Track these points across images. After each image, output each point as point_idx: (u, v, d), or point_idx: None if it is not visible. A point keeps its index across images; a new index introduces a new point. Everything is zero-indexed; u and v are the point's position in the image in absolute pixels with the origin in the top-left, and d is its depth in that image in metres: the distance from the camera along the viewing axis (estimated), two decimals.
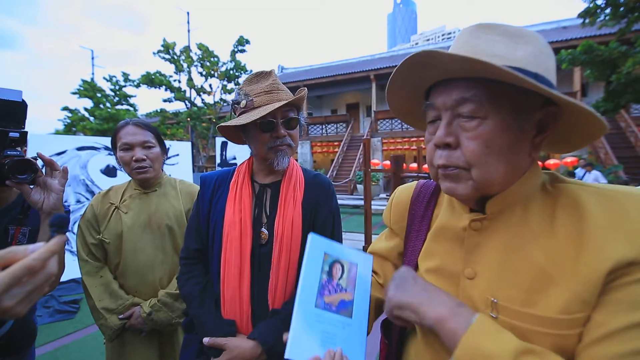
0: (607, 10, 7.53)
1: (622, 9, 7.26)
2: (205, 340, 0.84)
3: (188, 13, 16.16)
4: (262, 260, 0.89)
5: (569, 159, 9.88)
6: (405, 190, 0.73)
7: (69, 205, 3.80)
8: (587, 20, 8.13)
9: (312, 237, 0.58)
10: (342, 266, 0.59)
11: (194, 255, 0.97)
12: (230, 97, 13.36)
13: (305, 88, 0.97)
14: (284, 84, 0.97)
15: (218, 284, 0.89)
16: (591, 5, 7.54)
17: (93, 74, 19.80)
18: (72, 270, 3.73)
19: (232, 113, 0.95)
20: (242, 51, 14.76)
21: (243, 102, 0.88)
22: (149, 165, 1.24)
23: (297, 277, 0.89)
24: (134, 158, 1.21)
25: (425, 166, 0.64)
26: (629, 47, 7.47)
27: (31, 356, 1.09)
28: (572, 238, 0.45)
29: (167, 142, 4.40)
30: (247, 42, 14.58)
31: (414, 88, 0.55)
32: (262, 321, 0.86)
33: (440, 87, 0.51)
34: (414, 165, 10.26)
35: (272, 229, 0.90)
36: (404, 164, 4.05)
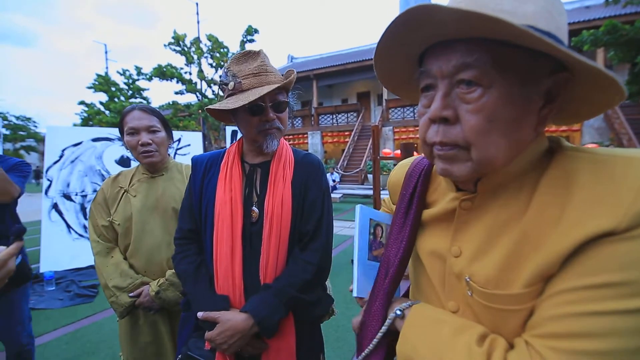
0: None
1: None
2: (199, 314, 0.86)
3: (197, 4, 16.15)
4: (253, 237, 0.91)
5: (590, 145, 9.49)
6: (402, 168, 0.70)
7: (85, 195, 3.94)
8: None
9: (360, 208, 0.69)
10: (382, 228, 0.72)
11: (188, 235, 1.00)
12: None
13: (294, 70, 0.96)
14: None
15: (211, 262, 0.91)
16: None
17: (107, 68, 20.16)
18: (90, 256, 3.88)
19: (221, 92, 0.95)
20: (252, 41, 14.71)
21: (231, 84, 0.88)
22: (155, 150, 1.26)
23: (287, 253, 0.92)
24: (139, 142, 1.23)
25: None
26: None
27: (27, 292, 1.69)
28: (552, 213, 0.41)
29: (178, 133, 4.46)
30: (256, 31, 14.52)
31: (407, 52, 0.48)
32: (254, 295, 0.88)
33: (437, 51, 0.44)
34: None
35: (263, 207, 0.91)
36: (415, 152, 3.98)
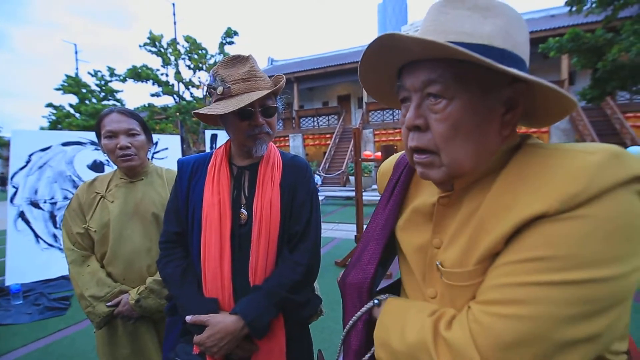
0: None
1: None
2: (188, 318, 0.85)
3: (174, 4, 15.79)
4: (242, 239, 0.90)
5: None
6: (388, 163, 0.75)
7: (55, 202, 3.74)
8: (574, 8, 8.19)
9: None
10: None
11: (174, 238, 0.98)
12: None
13: (284, 77, 0.97)
14: (273, 77, 0.96)
15: (199, 265, 0.90)
16: None
17: (77, 69, 19.29)
18: (61, 267, 3.66)
19: (208, 96, 0.94)
20: (231, 43, 14.55)
21: (220, 89, 0.87)
22: (134, 153, 1.22)
23: (276, 254, 0.92)
24: (118, 146, 1.19)
25: None
26: (614, 34, 7.55)
27: None
28: (506, 201, 0.45)
29: (155, 136, 4.33)
30: (236, 33, 14.37)
31: (386, 69, 0.54)
32: (244, 297, 0.87)
33: (409, 68, 0.50)
34: None
35: (251, 209, 0.91)
36: (395, 154, 4.04)
